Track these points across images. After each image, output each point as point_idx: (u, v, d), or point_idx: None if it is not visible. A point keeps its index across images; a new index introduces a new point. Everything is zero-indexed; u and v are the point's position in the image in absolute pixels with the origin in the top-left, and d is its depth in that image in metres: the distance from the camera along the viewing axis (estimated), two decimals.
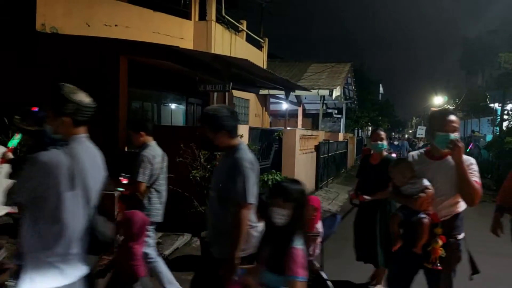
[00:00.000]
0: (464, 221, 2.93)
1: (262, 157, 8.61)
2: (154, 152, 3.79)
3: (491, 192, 13.00)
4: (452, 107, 36.93)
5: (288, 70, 15.60)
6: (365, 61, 43.66)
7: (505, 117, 14.17)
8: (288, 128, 16.21)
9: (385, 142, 4.60)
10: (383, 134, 4.56)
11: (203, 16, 10.06)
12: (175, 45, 5.84)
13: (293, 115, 20.46)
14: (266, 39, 13.98)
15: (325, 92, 12.64)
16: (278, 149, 9.42)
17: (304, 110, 20.01)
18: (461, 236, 2.86)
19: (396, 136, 39.59)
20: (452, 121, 2.66)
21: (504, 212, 4.03)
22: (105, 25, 7.89)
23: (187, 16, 9.98)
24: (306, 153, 10.75)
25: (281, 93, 13.26)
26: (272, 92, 12.52)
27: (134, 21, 8.48)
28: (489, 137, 19.03)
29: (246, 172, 2.45)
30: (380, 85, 45.56)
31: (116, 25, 8.10)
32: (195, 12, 9.98)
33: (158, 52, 5.84)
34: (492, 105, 19.01)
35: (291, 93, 13.96)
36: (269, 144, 8.99)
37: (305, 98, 17.83)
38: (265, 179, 5.85)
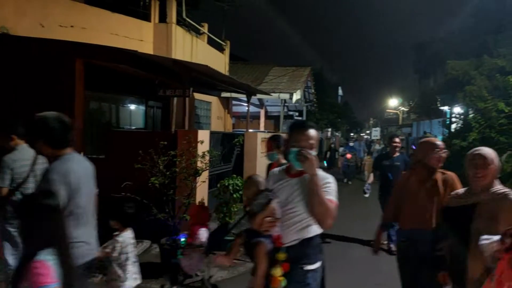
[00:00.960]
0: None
1: (224, 161, 8.68)
2: (17, 156, 3.79)
3: None
4: (406, 109, 38.82)
5: (250, 73, 15.74)
6: (323, 65, 44.87)
7: (454, 119, 15.13)
8: (251, 130, 16.44)
9: (275, 152, 4.12)
10: (275, 143, 4.13)
11: (163, 18, 9.95)
12: (133, 49, 5.73)
13: (255, 117, 20.65)
14: (228, 42, 14.03)
15: (286, 96, 12.89)
16: (240, 152, 9.51)
17: (266, 112, 20.24)
18: (312, 266, 2.41)
19: (354, 136, 40.99)
20: (308, 137, 2.36)
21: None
22: (60, 26, 7.61)
23: (146, 18, 9.82)
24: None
25: (243, 96, 13.38)
26: (234, 95, 12.59)
27: (91, 22, 8.24)
28: (439, 138, 20.14)
29: (51, 183, 2.33)
30: (340, 88, 47.04)
31: (72, 26, 7.83)
32: (155, 14, 9.85)
33: (115, 56, 5.73)
34: (442, 108, 20.17)
35: (253, 96, 14.22)
36: (231, 148, 9.06)
37: (267, 100, 18.06)
38: (226, 184, 5.91)
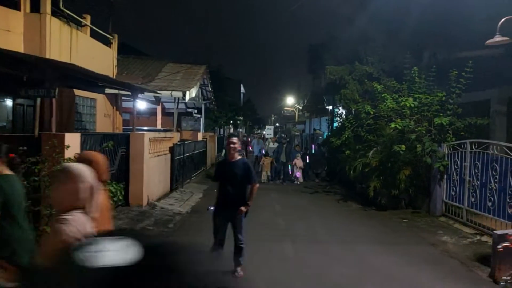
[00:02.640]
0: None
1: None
2: None
3: (325, 183, 15.24)
4: (300, 107, 41.58)
5: (143, 68, 15.18)
6: (223, 62, 45.64)
7: (336, 118, 16.76)
8: (145, 128, 15.88)
9: None
10: None
11: (36, 7, 9.00)
12: None
13: (153, 113, 20.02)
14: (116, 36, 13.29)
15: (179, 94, 12.74)
16: (125, 154, 9.14)
17: (163, 108, 19.75)
18: None
19: (258, 132, 42.42)
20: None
21: None
22: None
23: (16, 6, 8.78)
24: (158, 155, 10.69)
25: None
26: (123, 92, 12.01)
27: None
28: (325, 135, 22.11)
29: None
30: (241, 85, 48.13)
31: None
32: (25, 2, 8.85)
33: None
34: (327, 107, 22.07)
35: (148, 92, 13.76)
36: (115, 149, 8.65)
37: (164, 97, 17.66)
38: None
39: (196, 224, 8.45)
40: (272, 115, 69.42)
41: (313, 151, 17.99)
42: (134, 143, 9.22)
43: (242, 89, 48.55)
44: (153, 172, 10.06)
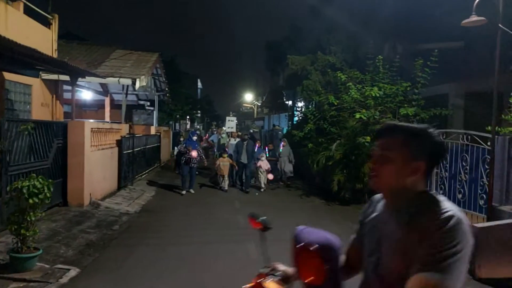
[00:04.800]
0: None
1: (36, 157, 7.04)
2: None
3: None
4: (259, 104, 41.18)
5: (88, 54, 13.73)
6: (177, 53, 43.90)
7: (296, 113, 16.34)
8: (91, 120, 14.44)
9: None
10: None
11: None
12: None
13: (101, 106, 18.46)
14: (56, 16, 11.82)
15: (128, 81, 11.52)
16: (62, 145, 7.94)
17: (112, 100, 18.25)
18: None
19: (215, 129, 41.29)
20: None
21: None
22: None
23: None
24: (103, 149, 9.52)
25: (82, 81, 11.51)
26: (62, 77, 10.64)
27: None
28: (285, 130, 21.69)
29: None
30: (199, 80, 46.85)
31: None
32: None
33: None
34: (287, 102, 21.67)
35: (97, 81, 12.40)
36: (49, 140, 7.45)
37: (112, 87, 16.24)
38: (19, 187, 4.56)
39: (145, 225, 7.48)
40: (231, 112, 68.57)
41: (280, 150, 13.12)
42: (72, 134, 8.04)
43: (200, 85, 47.29)
44: (96, 167, 8.90)
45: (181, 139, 14.88)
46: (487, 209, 6.22)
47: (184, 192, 10.76)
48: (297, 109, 15.55)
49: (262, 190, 11.72)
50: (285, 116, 26.30)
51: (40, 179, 4.77)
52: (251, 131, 23.28)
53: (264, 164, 11.88)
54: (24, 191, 4.54)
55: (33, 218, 4.63)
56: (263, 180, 11.90)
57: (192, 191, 10.94)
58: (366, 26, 11.43)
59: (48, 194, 4.78)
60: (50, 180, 4.94)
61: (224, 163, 11.54)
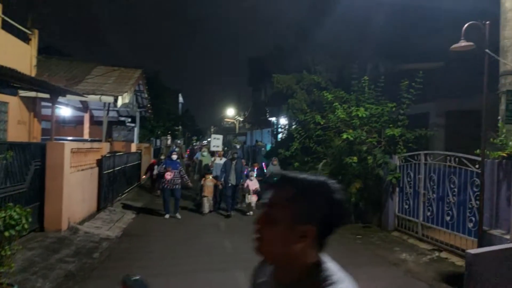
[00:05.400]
0: None
1: (13, 181, 6.64)
2: None
3: None
4: (242, 119, 41.12)
5: (68, 70, 13.35)
6: (160, 70, 43.43)
7: (280, 130, 16.29)
8: (69, 138, 13.97)
9: None
10: None
11: None
12: None
13: (80, 122, 17.94)
14: (36, 31, 11.49)
15: (109, 99, 11.21)
16: (40, 167, 7.55)
17: (92, 116, 17.80)
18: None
19: (197, 144, 40.81)
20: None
21: None
22: None
23: None
24: (83, 169, 9.14)
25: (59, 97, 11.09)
26: (41, 95, 10.25)
27: None
28: (268, 147, 21.62)
29: None
30: (180, 95, 46.47)
31: None
32: None
33: None
34: (270, 118, 21.66)
35: (71, 96, 11.98)
36: (26, 163, 7.07)
37: (92, 103, 15.83)
38: None
39: (127, 252, 7.13)
40: (212, 127, 68.28)
41: (272, 169, 11.85)
42: (51, 155, 7.67)
43: (181, 99, 46.88)
44: (75, 190, 8.51)
45: (162, 157, 13.76)
46: (476, 232, 6.23)
47: (167, 216, 10.09)
48: (281, 127, 15.49)
49: (250, 213, 10.59)
50: (268, 132, 26.27)
51: (17, 209, 4.45)
52: (237, 146, 23.01)
53: (252, 184, 10.65)
54: (0, 223, 4.21)
55: (8, 252, 4.29)
56: (251, 202, 10.59)
57: (178, 216, 10.02)
58: (350, 47, 11.57)
59: (26, 226, 4.46)
60: (28, 210, 4.62)
61: (208, 184, 10.65)
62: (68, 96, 10.81)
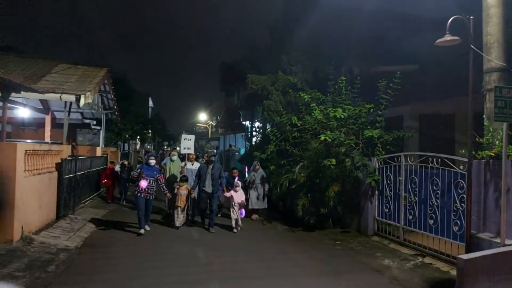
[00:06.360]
0: None
1: None
2: None
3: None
4: (214, 123, 40.49)
5: (26, 68, 12.35)
6: (127, 70, 41.74)
7: (254, 133, 15.85)
8: (28, 141, 12.90)
9: None
10: None
11: None
12: None
13: (41, 125, 16.77)
14: None
15: (71, 98, 10.34)
16: None
17: (54, 119, 16.70)
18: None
19: (167, 148, 39.61)
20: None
21: None
22: None
23: None
24: (40, 174, 8.30)
25: (17, 97, 10.16)
26: None
27: None
28: (242, 151, 21.12)
29: None
30: (150, 99, 45.22)
31: None
32: None
33: None
34: (244, 122, 21.21)
35: (36, 97, 11.02)
36: None
37: (54, 104, 14.82)
38: None
39: (87, 265, 6.39)
40: (184, 132, 67.01)
41: (253, 174, 10.69)
42: (1, 157, 6.84)
43: (151, 103, 45.63)
44: (30, 195, 7.67)
45: (125, 162, 12.95)
46: (462, 235, 5.99)
47: (142, 231, 8.54)
48: (256, 129, 15.06)
49: (235, 231, 8.98)
50: (242, 137, 25.80)
51: None
52: (214, 151, 22.14)
53: (237, 196, 9.12)
54: None
55: None
56: (236, 218, 9.03)
57: (147, 227, 8.83)
58: (325, 47, 11.33)
59: None
60: None
61: (182, 192, 9.14)
62: (26, 95, 9.92)
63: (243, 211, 9.38)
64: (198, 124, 47.96)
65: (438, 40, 5.42)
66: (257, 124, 16.65)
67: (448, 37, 5.35)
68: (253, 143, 15.87)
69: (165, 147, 48.10)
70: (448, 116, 12.19)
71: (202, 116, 45.51)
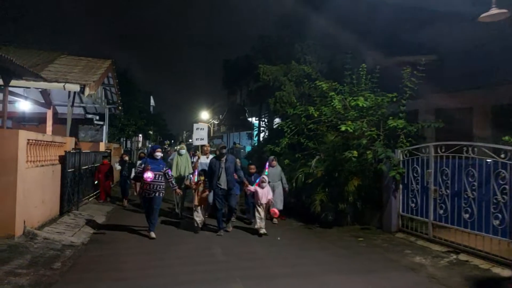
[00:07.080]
0: None
1: None
2: None
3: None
4: (217, 122, 39.97)
5: (27, 58, 11.84)
6: (130, 67, 40.57)
7: (262, 128, 15.37)
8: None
9: None
10: None
11: None
12: None
13: (42, 120, 16.26)
14: None
15: (75, 87, 9.77)
16: None
17: (56, 114, 16.20)
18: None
19: (168, 147, 39.08)
20: None
21: None
22: None
23: None
24: (43, 166, 7.81)
25: (18, 86, 9.66)
26: None
27: None
28: (248, 148, 20.62)
29: None
30: (152, 98, 44.73)
31: None
32: None
33: None
34: (249, 119, 20.72)
35: (37, 86, 10.50)
36: None
37: (56, 97, 14.31)
38: None
39: (95, 262, 5.90)
40: (184, 131, 66.50)
41: (266, 172, 8.83)
42: (2, 145, 6.34)
43: (152, 102, 45.13)
44: (33, 188, 7.18)
45: (126, 158, 11.81)
46: (504, 230, 5.50)
47: (153, 234, 7.42)
48: (266, 123, 14.53)
49: (261, 231, 7.91)
50: (246, 134, 25.29)
51: None
52: (223, 142, 21.46)
53: (263, 193, 8.02)
54: None
55: None
56: (260, 217, 7.99)
57: (153, 234, 7.42)
58: (341, 37, 10.85)
59: None
60: None
61: (201, 188, 8.08)
62: (28, 84, 9.41)
63: (276, 210, 8.51)
64: (199, 123, 47.42)
65: (483, 15, 4.94)
66: (266, 119, 16.13)
67: (494, 10, 4.85)
68: (261, 139, 15.36)
69: (166, 146, 47.60)
70: (466, 109, 11.73)
71: (204, 115, 44.96)
